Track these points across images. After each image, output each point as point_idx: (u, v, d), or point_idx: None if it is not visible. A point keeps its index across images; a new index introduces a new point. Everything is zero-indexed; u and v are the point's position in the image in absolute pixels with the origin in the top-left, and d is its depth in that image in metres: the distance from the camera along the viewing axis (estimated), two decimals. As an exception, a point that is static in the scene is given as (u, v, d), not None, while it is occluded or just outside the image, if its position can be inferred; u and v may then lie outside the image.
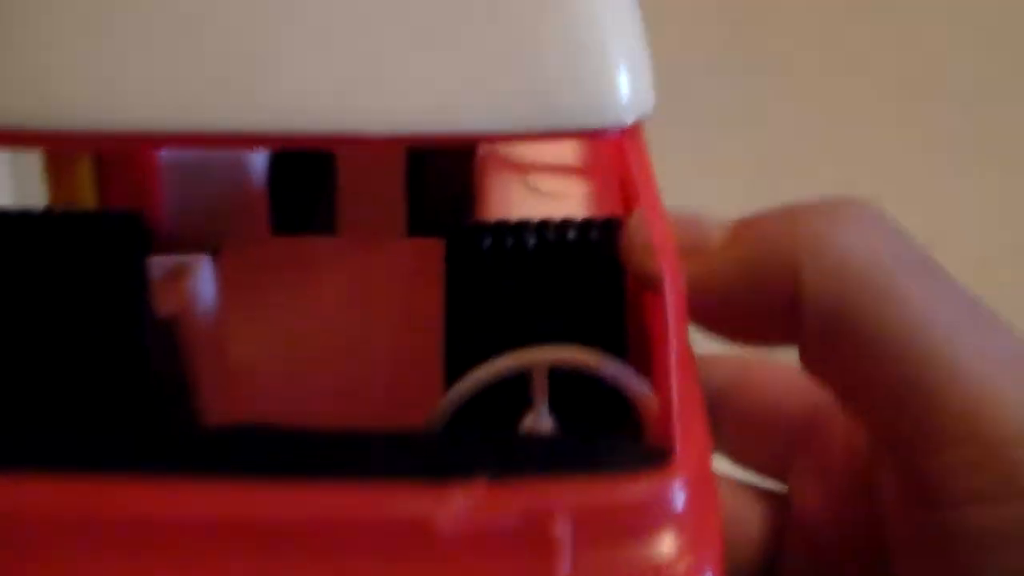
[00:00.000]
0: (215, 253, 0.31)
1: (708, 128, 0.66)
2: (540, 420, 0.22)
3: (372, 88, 0.21)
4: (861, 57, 0.65)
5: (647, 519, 0.19)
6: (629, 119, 0.22)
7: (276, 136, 0.21)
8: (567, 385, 0.22)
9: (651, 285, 0.23)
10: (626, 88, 0.22)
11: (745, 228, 0.25)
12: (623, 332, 0.24)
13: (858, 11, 0.64)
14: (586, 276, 0.24)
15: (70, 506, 0.19)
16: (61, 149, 0.28)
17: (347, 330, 0.30)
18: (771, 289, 0.24)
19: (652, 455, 0.20)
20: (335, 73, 0.21)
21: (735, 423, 0.30)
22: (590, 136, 0.22)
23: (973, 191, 0.69)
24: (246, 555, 0.18)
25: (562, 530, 0.19)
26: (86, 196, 0.31)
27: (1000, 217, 0.70)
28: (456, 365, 0.23)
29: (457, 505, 0.18)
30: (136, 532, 0.19)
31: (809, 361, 0.25)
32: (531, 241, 0.24)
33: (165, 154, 0.32)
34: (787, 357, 0.26)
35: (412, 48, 0.21)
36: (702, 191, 0.67)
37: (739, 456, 0.30)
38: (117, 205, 0.30)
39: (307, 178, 0.35)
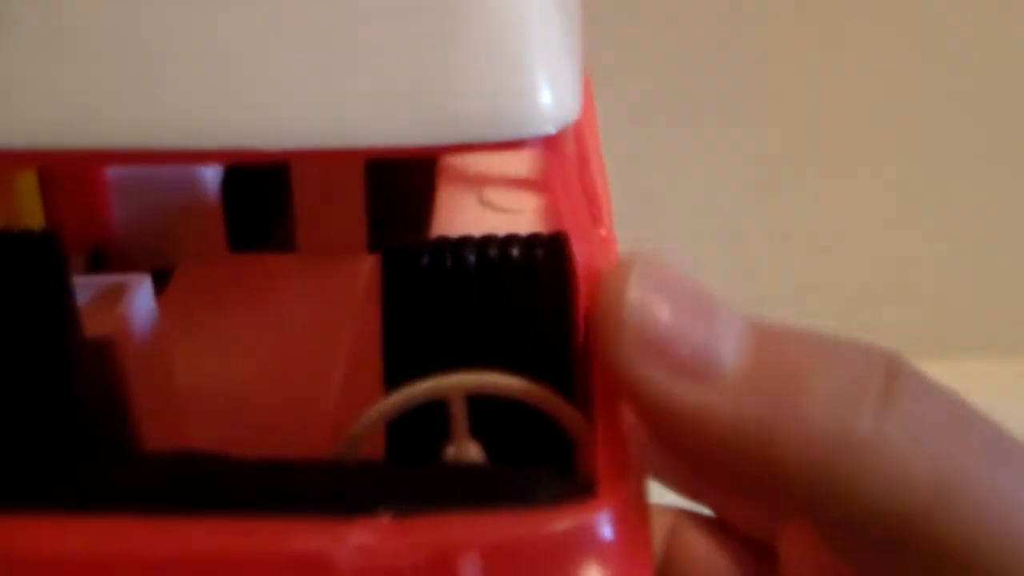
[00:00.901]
0: (169, 271, 0.30)
1: (708, 128, 0.66)
2: (463, 450, 0.21)
3: (292, 103, 0.20)
4: (861, 55, 0.65)
5: (567, 555, 0.18)
6: (550, 128, 0.20)
7: (173, 152, 0.20)
8: (499, 412, 0.21)
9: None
10: (547, 97, 0.20)
11: (766, 357, 0.20)
12: (568, 355, 0.22)
13: (858, 11, 0.64)
14: (530, 296, 0.22)
15: None
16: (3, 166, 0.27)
17: (303, 349, 0.29)
18: (790, 477, 0.19)
19: (575, 487, 0.19)
20: (256, 88, 0.20)
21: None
22: (509, 147, 0.20)
23: (979, 193, 0.69)
24: None
25: (469, 569, 0.17)
26: (32, 214, 0.30)
27: (1001, 214, 0.69)
28: (394, 389, 0.22)
29: (357, 541, 0.17)
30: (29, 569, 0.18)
31: (832, 546, 0.21)
32: (471, 259, 0.22)
33: (114, 171, 0.31)
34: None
35: (322, 61, 0.20)
36: (702, 190, 0.67)
37: (727, 515, 0.28)
38: (45, 225, 0.29)
39: (263, 193, 0.34)
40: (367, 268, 0.31)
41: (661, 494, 0.24)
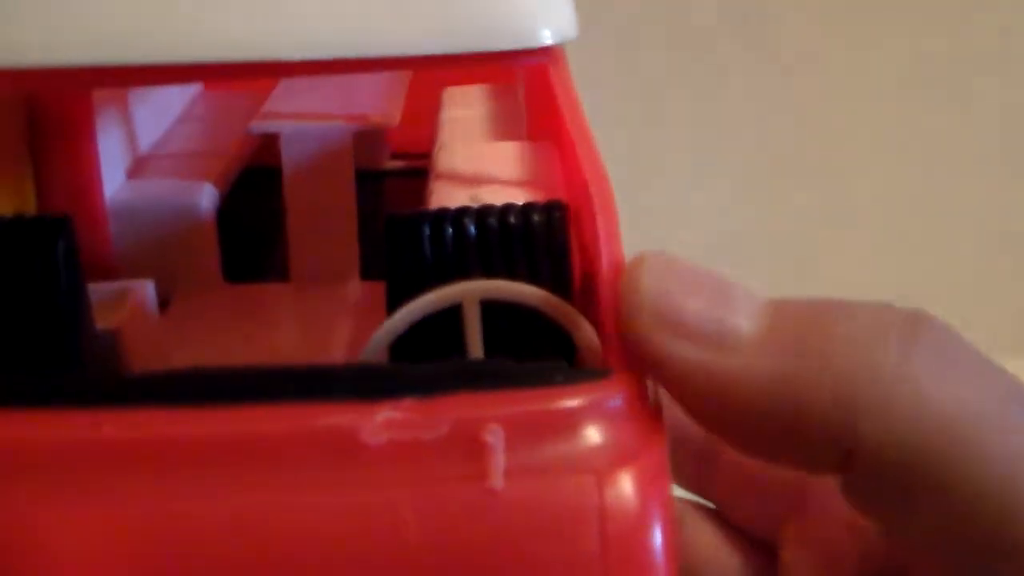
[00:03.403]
0: (165, 299, 0.31)
1: (709, 126, 0.67)
2: (473, 353, 0.21)
3: (286, 15, 0.21)
4: (862, 54, 0.66)
5: (582, 427, 0.18)
6: (549, 39, 0.21)
7: (188, 65, 0.21)
8: (510, 329, 0.22)
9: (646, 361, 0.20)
10: (543, 9, 0.22)
11: (784, 321, 0.21)
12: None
13: (858, 9, 0.65)
14: (528, 260, 0.23)
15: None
16: None
17: None
18: (818, 421, 0.20)
19: (590, 373, 0.20)
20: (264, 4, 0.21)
21: (727, 475, 0.28)
22: (509, 58, 0.21)
23: (978, 193, 0.70)
24: (192, 468, 0.18)
25: (493, 436, 0.18)
26: None
27: (1001, 211, 0.70)
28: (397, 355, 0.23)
29: (383, 417, 0.18)
30: (63, 460, 0.19)
31: (857, 499, 0.21)
32: (471, 227, 0.23)
33: (112, 197, 0.32)
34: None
35: None
36: (702, 190, 0.67)
37: (730, 511, 0.29)
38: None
39: (257, 221, 0.35)
40: (358, 294, 0.32)
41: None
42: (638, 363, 0.20)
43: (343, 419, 0.18)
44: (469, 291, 0.21)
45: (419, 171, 0.33)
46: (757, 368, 0.20)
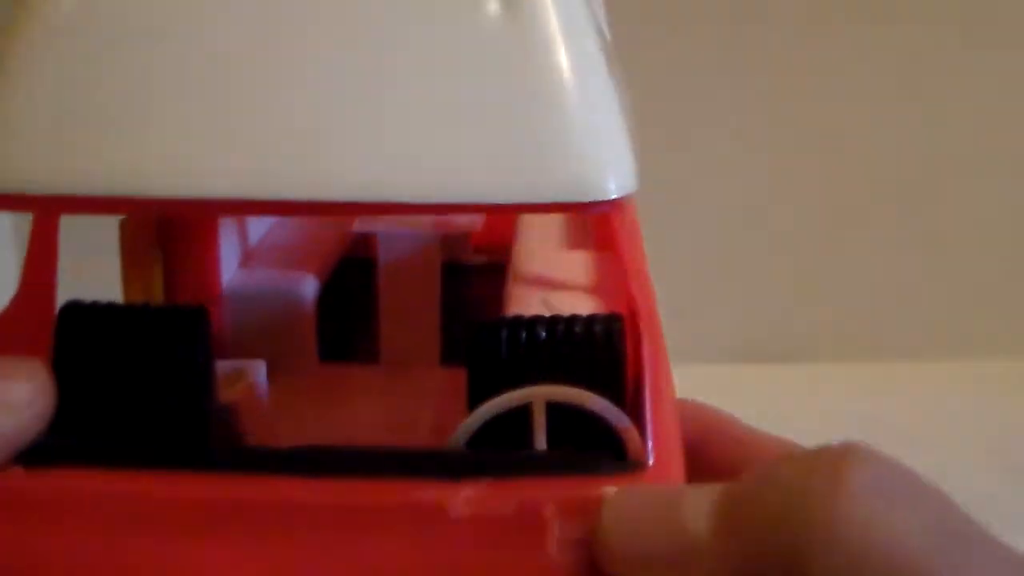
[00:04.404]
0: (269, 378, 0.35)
1: (708, 126, 0.70)
2: (538, 444, 0.25)
3: (381, 162, 0.25)
4: (863, 52, 0.69)
5: None
6: (615, 193, 0.25)
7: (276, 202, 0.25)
8: (569, 425, 0.26)
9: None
10: (612, 167, 0.25)
11: (737, 511, 0.22)
12: (623, 399, 0.27)
13: (858, 9, 0.68)
14: (590, 364, 0.27)
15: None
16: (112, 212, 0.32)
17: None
18: None
19: (629, 464, 0.24)
20: (345, 146, 0.25)
21: (713, 461, 0.30)
22: (578, 209, 0.25)
23: (977, 195, 0.71)
24: (299, 532, 0.23)
25: (551, 515, 0.23)
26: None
27: (1000, 215, 0.72)
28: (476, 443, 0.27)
29: (465, 494, 0.23)
30: (206, 514, 0.23)
31: None
32: (542, 333, 0.27)
33: (227, 286, 0.36)
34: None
35: (413, 123, 0.25)
36: (702, 188, 0.71)
37: None
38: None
39: (353, 305, 0.39)
40: (438, 379, 0.36)
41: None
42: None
43: (433, 495, 0.23)
44: (537, 395, 0.25)
45: (498, 265, 0.38)
46: (715, 559, 0.21)
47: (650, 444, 0.25)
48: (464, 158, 0.25)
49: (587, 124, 0.25)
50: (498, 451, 0.25)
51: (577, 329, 0.27)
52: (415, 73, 0.25)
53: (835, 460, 0.21)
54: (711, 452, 0.29)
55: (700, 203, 0.71)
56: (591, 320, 0.27)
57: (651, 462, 0.24)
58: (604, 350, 0.27)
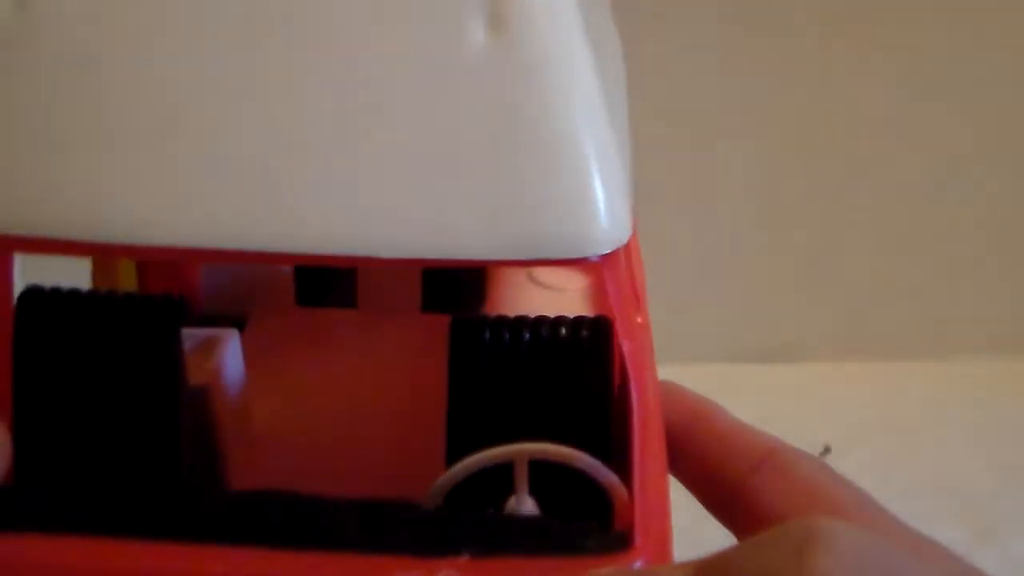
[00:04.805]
0: (242, 323, 0.34)
1: (708, 126, 0.69)
2: (521, 503, 0.24)
3: (378, 217, 0.24)
4: (863, 53, 0.69)
5: None
6: (607, 249, 0.24)
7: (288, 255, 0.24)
8: (551, 473, 0.25)
9: None
10: (606, 222, 0.24)
11: None
12: (607, 422, 0.26)
13: (860, 11, 0.68)
14: (575, 369, 0.26)
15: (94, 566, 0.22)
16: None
17: (360, 399, 0.32)
18: None
19: (616, 540, 0.23)
20: (347, 200, 0.24)
21: (696, 455, 0.29)
22: (572, 264, 0.24)
23: (976, 194, 0.71)
24: None
25: None
26: (127, 276, 0.34)
27: (999, 215, 0.72)
28: (456, 445, 0.26)
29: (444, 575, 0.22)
30: None
31: None
32: (526, 336, 0.26)
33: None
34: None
35: (411, 179, 0.24)
36: (702, 188, 0.70)
37: (696, 489, 0.30)
38: (155, 286, 0.34)
39: None
40: (418, 326, 0.35)
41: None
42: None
43: (412, 574, 0.21)
44: (520, 452, 0.24)
45: None
46: None
47: (638, 513, 0.23)
48: (444, 212, 0.24)
49: (577, 174, 0.24)
50: (477, 519, 0.23)
51: (563, 332, 0.26)
52: (395, 118, 0.24)
53: (799, 546, 0.20)
54: (695, 446, 0.28)
55: (700, 203, 0.71)
56: (578, 323, 0.26)
57: (638, 537, 0.23)
58: (590, 353, 0.26)
